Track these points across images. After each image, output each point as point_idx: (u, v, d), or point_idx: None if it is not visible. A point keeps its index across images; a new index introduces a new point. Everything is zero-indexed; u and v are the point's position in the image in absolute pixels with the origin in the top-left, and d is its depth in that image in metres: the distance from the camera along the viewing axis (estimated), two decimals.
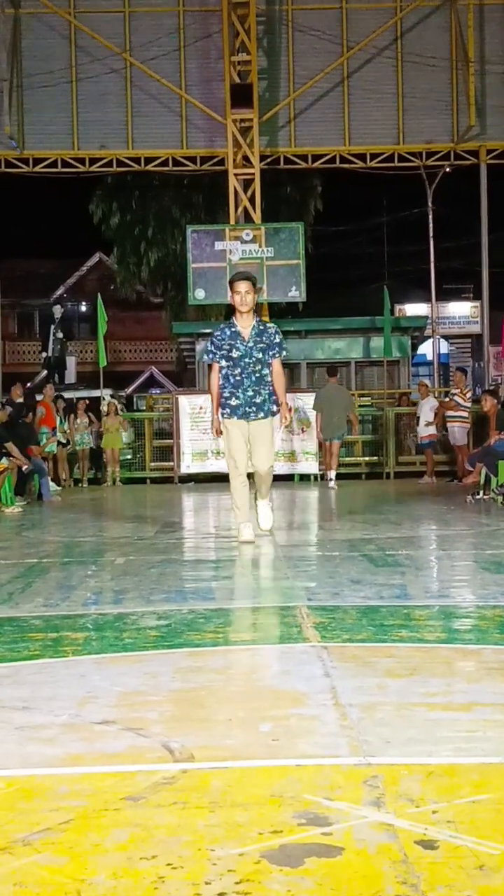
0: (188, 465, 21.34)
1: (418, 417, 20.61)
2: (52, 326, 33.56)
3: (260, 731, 3.37)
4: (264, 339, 9.14)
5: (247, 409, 9.12)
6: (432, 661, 4.32)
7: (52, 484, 17.88)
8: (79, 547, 9.82)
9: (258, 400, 9.13)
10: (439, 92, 24.17)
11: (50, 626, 5.33)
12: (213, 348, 9.20)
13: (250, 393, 9.11)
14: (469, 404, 19.63)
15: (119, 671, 4.23)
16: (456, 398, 19.95)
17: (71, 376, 34.25)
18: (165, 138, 24.26)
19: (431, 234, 28.71)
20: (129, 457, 23.22)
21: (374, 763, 2.91)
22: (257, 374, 9.12)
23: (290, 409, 9.37)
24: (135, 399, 34.79)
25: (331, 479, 18.24)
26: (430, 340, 32.04)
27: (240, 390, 9.12)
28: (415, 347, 32.66)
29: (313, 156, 24.27)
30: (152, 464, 22.98)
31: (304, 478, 21.01)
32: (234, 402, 9.13)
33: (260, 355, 9.12)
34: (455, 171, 26.12)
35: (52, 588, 6.83)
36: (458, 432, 19.60)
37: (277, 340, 9.20)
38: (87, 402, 22.64)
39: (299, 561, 8.03)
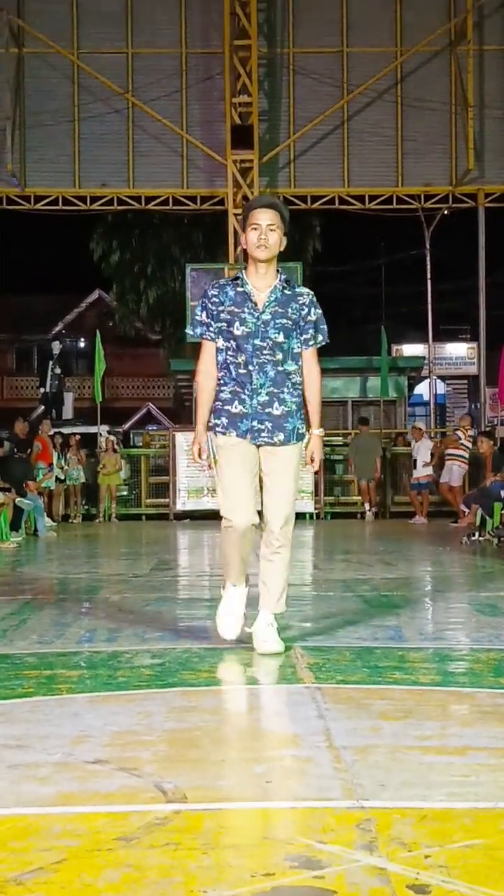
0: (184, 502, 21.35)
1: (415, 460, 20.64)
2: (51, 362, 33.60)
3: (253, 772, 3.36)
4: (291, 310, 5.58)
5: (256, 423, 5.53)
6: (427, 703, 4.32)
7: (47, 520, 17.87)
8: (73, 584, 9.80)
9: (277, 411, 5.53)
10: (438, 135, 24.36)
11: (44, 663, 5.33)
12: (203, 315, 5.66)
13: (263, 397, 5.53)
14: (470, 445, 19.66)
15: (112, 710, 4.23)
16: (458, 432, 20.04)
17: (68, 412, 34.26)
18: (166, 177, 24.41)
19: (429, 275, 28.86)
20: (124, 493, 23.22)
21: (368, 806, 2.91)
22: (277, 368, 5.55)
23: (320, 437, 5.77)
24: (132, 435, 34.81)
25: (370, 512, 21.15)
26: (427, 381, 32.13)
27: (246, 390, 5.54)
28: (411, 388, 32.81)
29: (312, 197, 24.42)
30: (148, 500, 22.98)
31: (300, 516, 21.03)
32: (235, 408, 5.55)
33: (280, 337, 5.53)
34: (453, 213, 26.27)
35: (46, 625, 6.82)
36: (456, 471, 19.62)
37: (313, 318, 5.62)
38: (79, 437, 22.65)
39: (294, 600, 8.03)
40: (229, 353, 5.60)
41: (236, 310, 5.58)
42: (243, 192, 23.24)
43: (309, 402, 5.70)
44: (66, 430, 23.97)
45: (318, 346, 5.70)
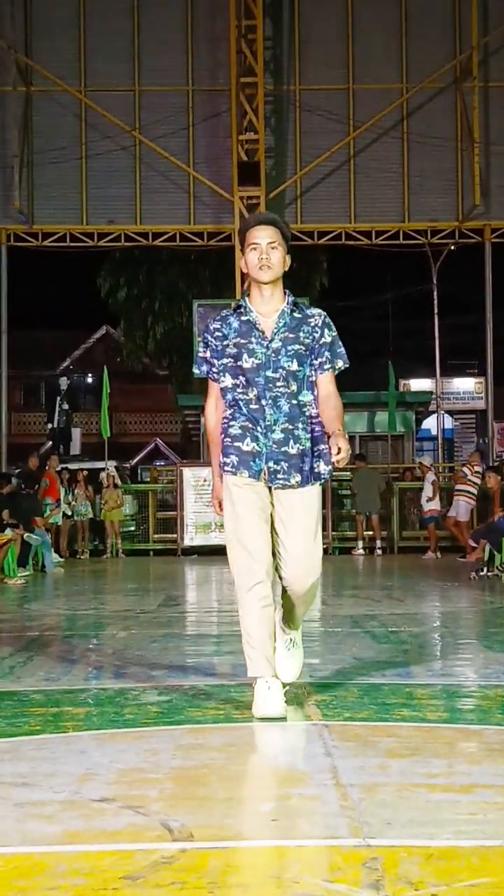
0: (191, 538, 21.34)
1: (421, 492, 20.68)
2: (58, 398, 33.72)
3: (260, 810, 3.35)
4: (303, 334, 5.05)
5: (271, 464, 4.96)
6: (434, 741, 4.30)
7: (55, 555, 17.87)
8: (81, 620, 9.79)
9: (293, 450, 4.97)
10: (444, 171, 24.48)
11: (51, 700, 5.32)
12: (207, 353, 5.14)
13: (278, 434, 4.97)
14: (478, 480, 19.61)
15: (119, 748, 4.22)
16: (464, 469, 20.04)
17: (76, 447, 34.33)
18: (173, 214, 24.55)
19: (436, 310, 28.93)
20: (132, 528, 23.21)
21: (374, 845, 2.90)
22: (291, 401, 5.00)
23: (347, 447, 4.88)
24: (139, 470, 34.85)
25: (377, 549, 21.23)
26: (435, 415, 32.15)
27: (258, 427, 5.00)
28: (419, 422, 32.79)
29: (319, 232, 24.53)
30: (155, 536, 22.96)
31: None
32: (247, 445, 4.99)
33: (294, 365, 5.00)
34: (460, 248, 26.37)
35: (53, 662, 6.81)
36: (463, 507, 19.60)
37: (328, 339, 5.09)
38: (87, 472, 22.67)
39: (302, 636, 8.01)
40: (238, 390, 5.01)
41: (242, 341, 5.01)
42: None
43: (327, 425, 4.97)
44: (73, 466, 24.00)
45: (337, 371, 5.11)
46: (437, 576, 15.38)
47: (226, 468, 5.01)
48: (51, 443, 34.13)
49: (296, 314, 5.07)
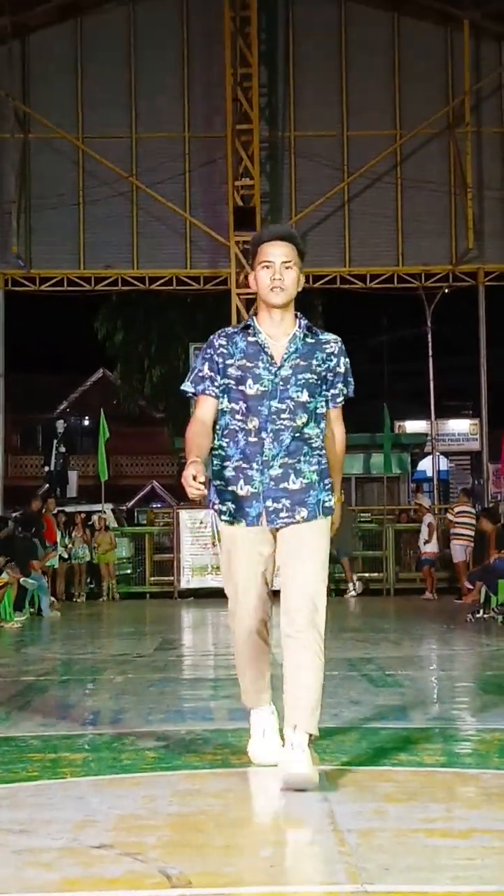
0: (188, 580, 21.29)
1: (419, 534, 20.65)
2: (55, 441, 33.71)
3: (258, 856, 3.36)
4: (316, 362, 4.60)
5: (269, 503, 4.50)
6: (431, 785, 4.31)
7: (51, 599, 17.83)
8: (77, 664, 9.78)
9: (294, 485, 4.52)
10: (438, 215, 24.66)
11: (48, 746, 5.32)
12: (204, 369, 4.64)
13: (276, 470, 4.51)
14: (465, 520, 19.59)
15: (117, 794, 4.23)
16: (448, 514, 20.12)
17: (72, 490, 34.28)
18: (170, 258, 24.68)
19: (430, 352, 29.04)
20: (128, 571, 23.16)
21: (372, 890, 2.91)
22: (294, 434, 4.54)
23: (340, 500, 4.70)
24: (136, 513, 34.82)
25: (353, 589, 20.54)
26: (430, 457, 32.19)
27: (255, 464, 4.52)
28: (415, 464, 32.84)
29: (314, 276, 24.65)
30: (152, 578, 22.92)
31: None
32: (241, 489, 4.53)
33: (303, 395, 4.56)
34: (454, 291, 26.51)
35: (50, 707, 6.81)
36: (458, 549, 19.62)
37: (342, 369, 4.68)
38: (84, 515, 22.66)
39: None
40: (236, 417, 4.53)
41: (248, 364, 4.53)
42: (246, 271, 23.49)
43: (329, 462, 4.64)
44: (69, 509, 24.00)
45: (341, 402, 4.74)
46: (434, 618, 15.36)
47: (222, 516, 4.58)
48: (47, 485, 34.10)
49: (308, 339, 4.61)
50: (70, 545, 21.21)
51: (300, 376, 4.54)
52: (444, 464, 37.97)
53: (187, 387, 4.69)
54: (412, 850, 3.33)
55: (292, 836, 3.63)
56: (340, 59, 24.73)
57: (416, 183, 24.45)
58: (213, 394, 4.60)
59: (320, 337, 4.65)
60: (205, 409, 4.61)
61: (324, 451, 4.61)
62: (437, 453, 31.96)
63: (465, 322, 26.67)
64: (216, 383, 4.60)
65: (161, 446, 42.11)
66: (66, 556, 20.93)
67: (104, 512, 22.87)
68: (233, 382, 4.56)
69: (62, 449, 33.83)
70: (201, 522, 20.94)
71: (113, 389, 42.26)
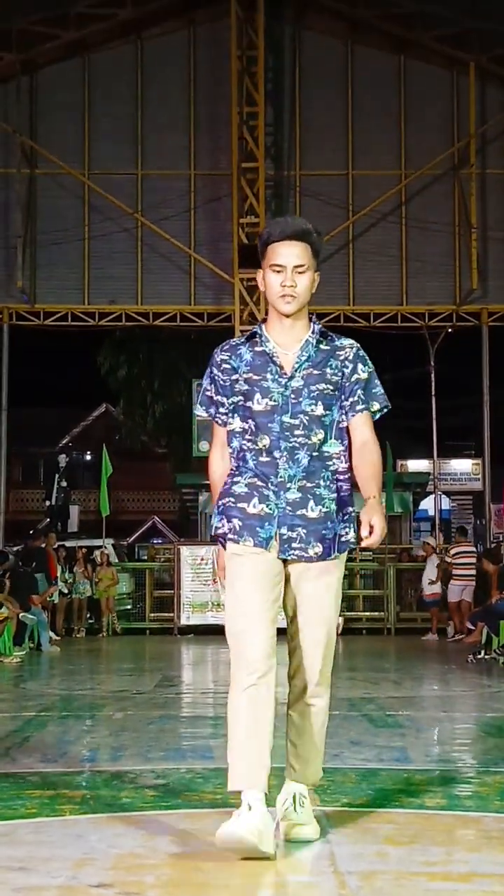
0: (188, 617, 21.24)
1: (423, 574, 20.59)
2: (57, 475, 33.72)
3: None
4: (330, 371, 4.13)
5: (284, 530, 4.02)
6: (432, 828, 4.28)
7: (51, 634, 17.77)
8: (77, 700, 9.74)
9: (313, 513, 4.03)
10: (442, 255, 24.79)
11: (47, 783, 5.29)
12: (212, 390, 4.25)
13: (294, 494, 4.03)
14: (464, 560, 19.57)
15: (116, 832, 4.20)
16: (445, 557, 20.12)
17: (73, 525, 34.28)
18: (174, 295, 24.81)
19: (433, 391, 29.09)
20: (128, 607, 23.09)
21: None
22: (312, 453, 4.07)
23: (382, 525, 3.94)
24: (136, 548, 34.79)
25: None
26: (432, 496, 32.18)
27: (270, 484, 4.06)
28: (416, 503, 32.81)
29: (318, 314, 24.74)
30: (152, 614, 22.86)
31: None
32: (254, 506, 4.05)
33: (318, 408, 4.09)
34: (457, 331, 26.61)
35: (49, 743, 6.78)
36: (455, 590, 19.63)
37: (363, 375, 4.18)
38: (85, 550, 22.63)
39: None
40: (246, 436, 4.09)
41: (255, 377, 4.08)
42: (250, 308, 23.59)
43: (359, 472, 4.06)
44: (70, 543, 23.96)
45: (375, 415, 4.19)
46: (434, 658, 15.31)
47: (227, 536, 4.03)
48: (49, 520, 34.08)
49: (322, 346, 4.12)
50: (71, 580, 21.16)
51: (313, 387, 4.06)
52: (446, 503, 37.97)
53: (199, 410, 4.34)
54: (413, 894, 3.31)
55: (292, 877, 3.60)
56: (347, 99, 24.95)
57: (421, 223, 24.59)
58: (221, 420, 4.19)
59: (336, 343, 4.15)
60: (218, 443, 4.24)
61: (347, 476, 4.09)
62: (439, 493, 31.95)
63: (468, 362, 26.77)
64: (224, 406, 4.18)
65: (163, 482, 42.10)
66: (66, 591, 20.88)
67: (105, 547, 22.84)
68: (241, 399, 4.11)
69: (64, 483, 33.82)
70: (202, 559, 20.93)
71: (115, 424, 42.36)
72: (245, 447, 4.10)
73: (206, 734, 7.24)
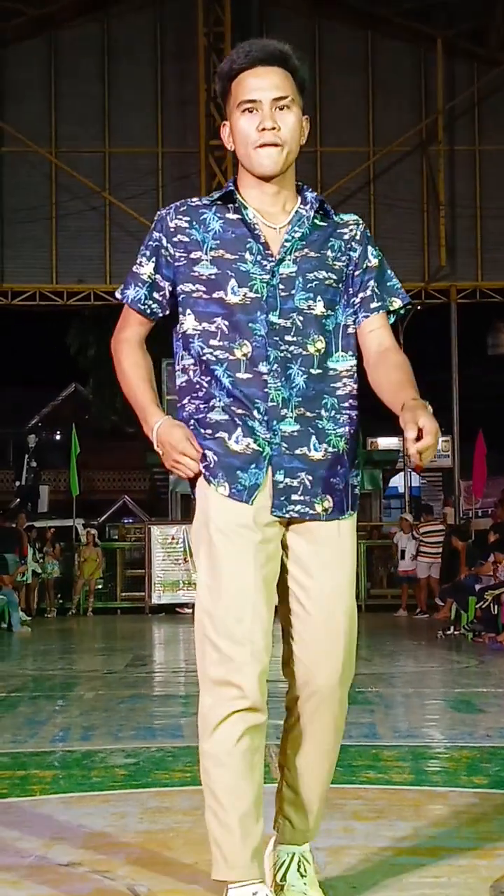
0: (159, 596, 21.26)
1: (403, 550, 20.65)
2: (26, 455, 33.65)
3: None
4: (332, 254, 2.95)
5: (279, 476, 2.85)
6: (400, 803, 4.33)
7: (21, 614, 17.75)
8: (48, 680, 9.75)
9: (316, 453, 2.92)
10: (410, 233, 24.79)
11: (17, 763, 5.31)
12: (148, 267, 3.08)
13: (290, 425, 2.87)
14: (433, 539, 19.71)
15: (86, 811, 4.22)
16: (414, 533, 20.25)
17: (44, 505, 34.22)
18: None
19: None
20: (100, 587, 23.12)
21: None
22: (311, 370, 2.92)
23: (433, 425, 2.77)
24: (107, 528, 34.75)
25: None
26: (402, 474, 32.30)
27: (257, 411, 2.85)
28: (386, 480, 32.94)
29: None
30: (123, 594, 22.86)
31: None
32: (235, 443, 2.84)
33: (318, 307, 2.91)
34: (426, 309, 26.66)
35: (20, 723, 6.79)
36: (422, 566, 19.81)
37: (374, 262, 3.00)
38: (54, 530, 22.59)
39: (267, 697, 8.00)
40: (213, 341, 2.89)
41: (228, 255, 2.90)
42: None
43: (384, 381, 3.06)
44: (40, 524, 23.92)
45: (395, 313, 3.09)
46: (404, 635, 15.40)
47: (204, 472, 2.86)
48: (18, 500, 33.99)
49: (319, 221, 2.97)
50: (40, 560, 21.12)
51: (310, 275, 2.91)
52: (415, 480, 38.10)
53: (117, 293, 3.16)
54: (380, 869, 3.35)
55: None
56: (314, 75, 24.81)
57: (389, 200, 24.58)
58: (148, 310, 3.01)
59: (336, 219, 3.00)
60: (134, 331, 3.08)
61: (356, 404, 3.08)
62: (409, 470, 32.04)
63: (437, 339, 26.81)
64: (159, 294, 3.00)
65: (133, 461, 41.99)
66: (38, 570, 20.84)
67: (85, 527, 22.87)
68: (202, 289, 2.91)
69: (34, 464, 33.78)
70: (173, 538, 20.95)
71: (85, 404, 42.22)
72: (212, 358, 2.88)
73: (177, 713, 7.27)
